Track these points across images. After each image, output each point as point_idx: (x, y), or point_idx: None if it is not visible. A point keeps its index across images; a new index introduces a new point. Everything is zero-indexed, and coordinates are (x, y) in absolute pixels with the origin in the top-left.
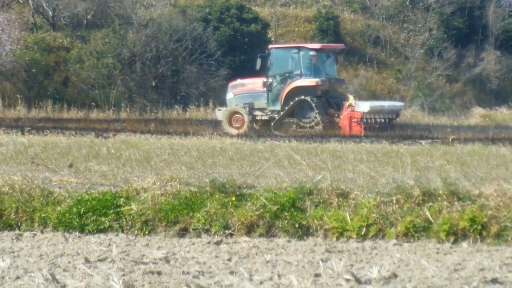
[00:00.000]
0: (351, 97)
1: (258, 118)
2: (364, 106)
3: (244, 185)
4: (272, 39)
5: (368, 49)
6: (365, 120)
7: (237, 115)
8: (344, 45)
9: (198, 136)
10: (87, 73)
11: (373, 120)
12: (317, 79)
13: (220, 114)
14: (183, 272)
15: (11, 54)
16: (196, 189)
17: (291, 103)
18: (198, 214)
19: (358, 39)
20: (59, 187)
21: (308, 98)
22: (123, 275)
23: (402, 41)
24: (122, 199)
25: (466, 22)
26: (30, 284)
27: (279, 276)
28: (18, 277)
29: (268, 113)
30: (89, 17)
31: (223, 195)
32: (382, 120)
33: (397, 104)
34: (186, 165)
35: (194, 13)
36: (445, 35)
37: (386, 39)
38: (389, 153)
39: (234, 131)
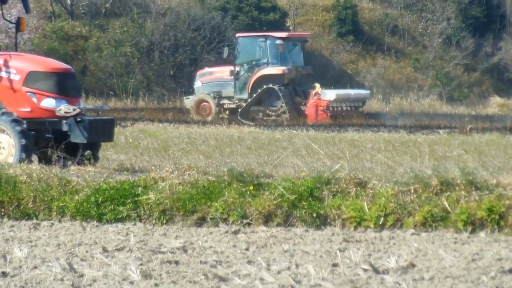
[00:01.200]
0: (317, 85)
1: (225, 106)
2: (330, 95)
3: (262, 174)
4: (291, 28)
5: (386, 38)
6: (331, 108)
7: (204, 104)
8: (310, 33)
9: (216, 125)
10: (105, 62)
11: (339, 108)
12: (284, 68)
13: (188, 102)
14: (201, 261)
15: (30, 42)
16: (214, 178)
17: (259, 91)
18: (216, 204)
19: (376, 28)
20: (77, 176)
21: (275, 87)
22: (141, 264)
23: (420, 30)
24: (140, 188)
25: (484, 12)
26: (48, 273)
27: (296, 265)
28: (35, 267)
29: (236, 101)
30: (107, 5)
31: (241, 184)
32: (348, 108)
33: (363, 92)
34: (204, 154)
35: (213, 1)
36: (463, 24)
37: (404, 28)
38: (407, 143)
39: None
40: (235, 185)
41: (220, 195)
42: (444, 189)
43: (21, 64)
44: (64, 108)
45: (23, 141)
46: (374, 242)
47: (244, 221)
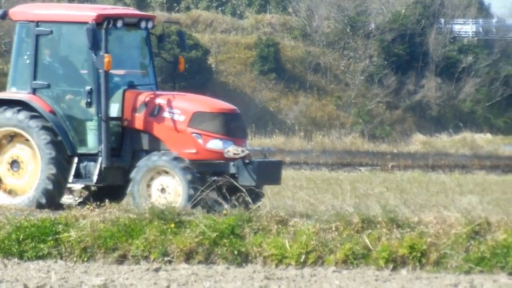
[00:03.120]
0: None
1: None
2: None
3: (184, 212)
4: (213, 65)
5: (308, 76)
6: None
7: None
8: None
9: None
10: None
11: None
12: None
13: None
14: None
15: None
16: (135, 216)
17: None
18: (137, 241)
19: (298, 66)
20: None
21: None
22: None
23: (343, 68)
24: (61, 226)
25: (406, 49)
26: None
27: None
28: None
29: None
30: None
31: (162, 222)
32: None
33: None
34: None
35: None
36: (386, 62)
37: (326, 66)
38: (328, 180)
39: None
40: (156, 223)
41: (141, 233)
42: (365, 226)
43: (186, 105)
44: (232, 150)
45: (188, 177)
46: (295, 279)
47: (165, 258)
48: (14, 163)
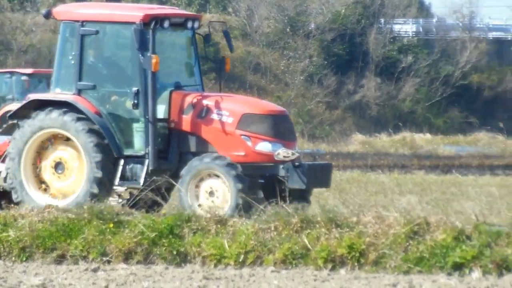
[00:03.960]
0: None
1: None
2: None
3: (122, 212)
4: None
5: (249, 76)
6: None
7: None
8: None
9: None
10: None
11: None
12: None
13: None
14: None
15: None
16: (73, 216)
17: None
18: (75, 241)
19: (238, 66)
20: None
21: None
22: None
23: (283, 68)
24: None
25: (346, 49)
26: None
27: None
28: None
29: None
30: None
31: (101, 222)
32: None
33: None
34: None
35: None
36: (326, 62)
37: (266, 66)
38: None
39: None
40: (95, 223)
41: (80, 233)
42: (304, 226)
43: (234, 106)
44: (282, 152)
45: (239, 186)
46: (234, 279)
47: (104, 258)
48: (58, 165)
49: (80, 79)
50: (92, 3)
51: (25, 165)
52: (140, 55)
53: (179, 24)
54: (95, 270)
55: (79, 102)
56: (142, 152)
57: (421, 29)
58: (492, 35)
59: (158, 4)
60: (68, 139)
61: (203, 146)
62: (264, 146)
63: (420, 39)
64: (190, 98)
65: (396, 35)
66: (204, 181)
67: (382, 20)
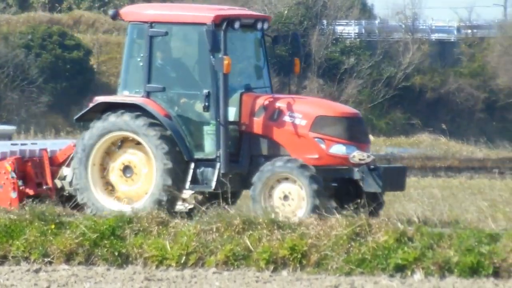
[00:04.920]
0: None
1: None
2: None
3: (64, 213)
4: (94, 66)
5: None
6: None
7: None
8: None
9: None
10: None
11: None
12: None
13: None
14: None
15: None
16: (15, 217)
17: None
18: (17, 242)
19: None
20: None
21: None
22: None
23: None
24: None
25: (289, 50)
26: None
27: None
28: None
29: None
30: None
31: (42, 223)
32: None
33: (9, 128)
34: None
35: (16, 39)
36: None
37: None
38: None
39: None
40: (36, 224)
41: (22, 234)
42: (246, 227)
43: (307, 108)
44: (358, 155)
45: (314, 187)
46: (175, 281)
47: (46, 259)
48: (127, 169)
49: (149, 81)
50: (160, 4)
51: (92, 166)
52: (212, 56)
53: (249, 25)
54: (36, 271)
55: (149, 105)
56: (213, 156)
57: (363, 31)
58: (434, 36)
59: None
60: (139, 143)
61: (275, 149)
62: (339, 149)
63: (363, 40)
64: (262, 100)
65: (338, 36)
66: (277, 186)
67: (325, 22)
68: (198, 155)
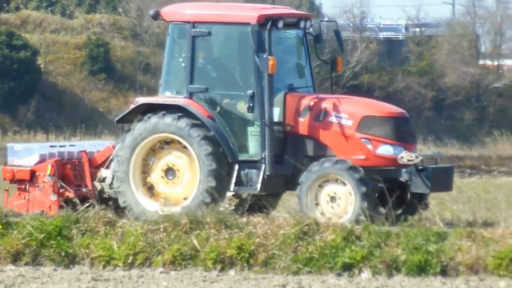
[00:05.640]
0: None
1: None
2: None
3: (11, 213)
4: (42, 66)
5: (139, 76)
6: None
7: None
8: None
9: None
10: None
11: None
12: None
13: None
14: None
15: None
16: None
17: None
18: None
19: (128, 66)
20: None
21: None
22: None
23: None
24: None
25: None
26: None
27: None
28: None
29: None
30: None
31: None
32: None
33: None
34: None
35: None
36: None
37: (156, 66)
38: None
39: None
40: None
41: None
42: (194, 227)
43: (354, 108)
44: (406, 156)
45: (363, 189)
46: (123, 281)
47: None
48: (169, 171)
49: (191, 82)
50: (201, 4)
51: (134, 169)
52: (256, 57)
53: (291, 24)
54: None
55: (192, 106)
56: (258, 157)
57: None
58: (383, 35)
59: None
60: (186, 146)
61: (320, 150)
62: (386, 150)
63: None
64: (307, 101)
65: None
66: (324, 187)
67: None
68: (242, 157)
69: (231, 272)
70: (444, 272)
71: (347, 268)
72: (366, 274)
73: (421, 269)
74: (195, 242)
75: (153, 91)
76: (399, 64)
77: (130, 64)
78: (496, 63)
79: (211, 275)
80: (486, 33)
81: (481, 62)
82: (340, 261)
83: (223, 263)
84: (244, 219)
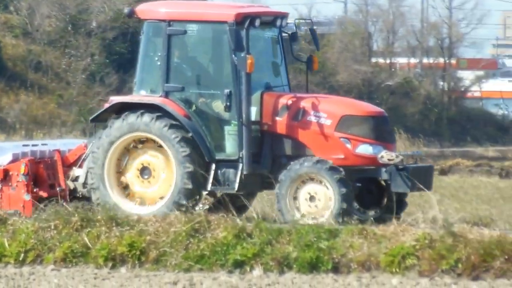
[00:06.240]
0: None
1: None
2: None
3: None
4: None
5: (30, 74)
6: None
7: None
8: None
9: None
10: None
11: None
12: None
13: None
14: None
15: None
16: None
17: None
18: None
19: (19, 64)
20: None
21: None
22: None
23: (64, 66)
24: None
25: (128, 47)
26: None
27: None
28: None
29: None
30: None
31: None
32: None
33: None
34: None
35: None
36: (107, 60)
37: (47, 64)
38: None
39: None
40: None
41: None
42: (85, 225)
43: (332, 108)
44: (386, 155)
45: (343, 190)
46: (14, 278)
47: None
48: (145, 170)
49: (167, 80)
50: (177, 2)
51: (109, 167)
52: (233, 55)
53: (268, 22)
54: None
55: (168, 105)
56: (235, 156)
57: None
58: None
59: None
60: (161, 145)
61: (299, 149)
62: (365, 149)
63: None
64: (284, 100)
65: None
66: (303, 186)
67: None
68: (219, 156)
69: (122, 270)
70: (336, 269)
71: (239, 265)
72: (257, 271)
73: (313, 266)
74: (86, 239)
75: (44, 90)
76: (290, 63)
77: (21, 62)
78: (388, 61)
79: (102, 272)
80: (378, 31)
81: (373, 60)
82: (231, 258)
83: (114, 260)
84: (135, 217)
